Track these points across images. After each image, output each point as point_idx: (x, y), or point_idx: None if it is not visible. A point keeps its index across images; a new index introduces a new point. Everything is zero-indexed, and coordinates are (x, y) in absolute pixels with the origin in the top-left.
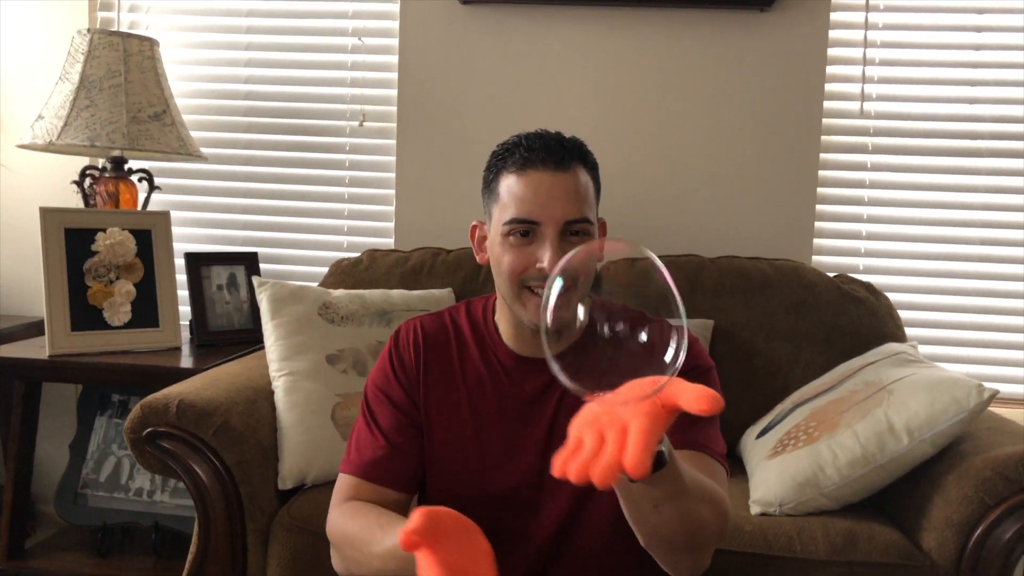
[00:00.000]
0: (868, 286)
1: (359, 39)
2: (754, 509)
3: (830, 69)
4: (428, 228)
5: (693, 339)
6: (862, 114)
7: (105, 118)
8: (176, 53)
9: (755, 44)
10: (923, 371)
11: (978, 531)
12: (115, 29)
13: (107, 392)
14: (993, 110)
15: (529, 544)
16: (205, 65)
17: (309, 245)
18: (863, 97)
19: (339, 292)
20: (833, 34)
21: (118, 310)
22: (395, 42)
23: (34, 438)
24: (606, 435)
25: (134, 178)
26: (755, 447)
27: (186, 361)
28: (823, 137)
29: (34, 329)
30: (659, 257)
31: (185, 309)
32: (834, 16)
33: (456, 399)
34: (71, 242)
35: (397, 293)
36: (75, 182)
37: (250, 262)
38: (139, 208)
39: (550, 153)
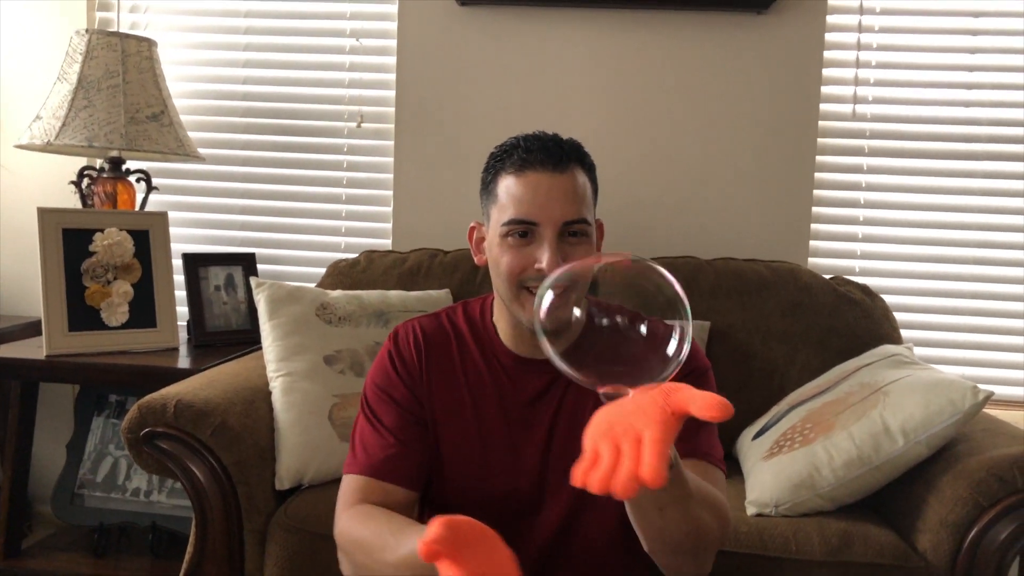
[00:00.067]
0: (864, 288)
1: (357, 40)
2: (750, 510)
3: (826, 71)
4: (426, 229)
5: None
6: (856, 116)
7: (103, 118)
8: (174, 54)
9: (751, 46)
10: (919, 373)
11: (973, 532)
12: (113, 29)
13: (104, 392)
14: (989, 113)
15: (530, 544)
16: (203, 66)
17: (307, 246)
18: (858, 100)
19: (337, 293)
20: (829, 37)
21: (115, 310)
22: (393, 43)
23: (31, 438)
24: (621, 446)
25: (132, 179)
26: (751, 448)
27: (183, 361)
28: (819, 139)
29: (31, 329)
30: (655, 260)
31: (183, 310)
32: (830, 19)
33: (459, 399)
34: (69, 242)
35: (395, 294)
36: (73, 182)
37: (248, 263)
38: (137, 209)
39: (548, 154)
